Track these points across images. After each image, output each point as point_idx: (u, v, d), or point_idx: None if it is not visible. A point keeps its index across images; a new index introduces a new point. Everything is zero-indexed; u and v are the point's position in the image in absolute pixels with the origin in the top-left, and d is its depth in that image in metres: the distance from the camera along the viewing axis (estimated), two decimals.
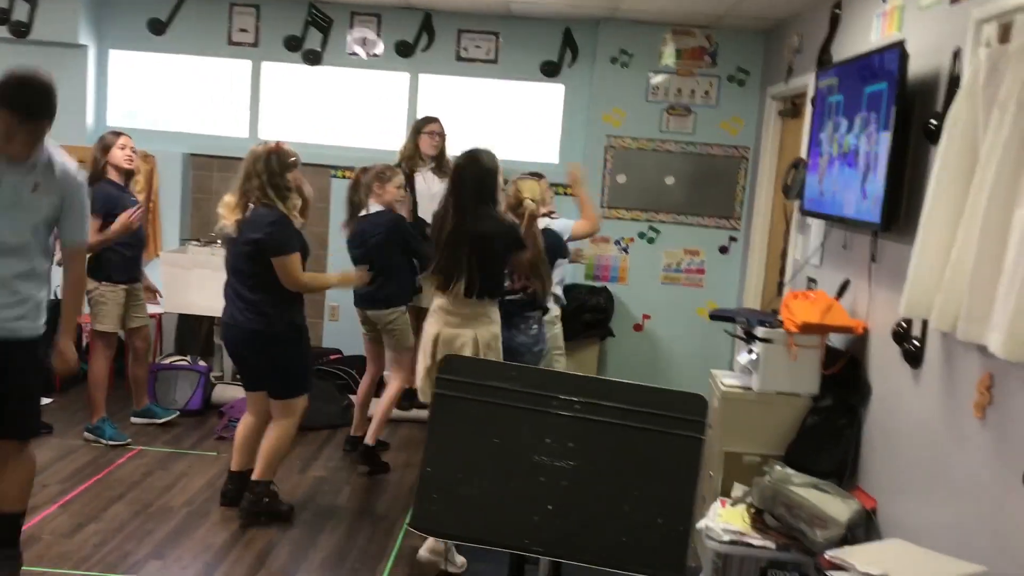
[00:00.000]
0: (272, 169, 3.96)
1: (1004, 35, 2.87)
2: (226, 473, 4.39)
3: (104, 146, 5.06)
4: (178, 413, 5.52)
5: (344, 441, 5.30)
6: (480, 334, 3.95)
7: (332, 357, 6.46)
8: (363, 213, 4.97)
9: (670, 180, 6.44)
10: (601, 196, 6.46)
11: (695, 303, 6.50)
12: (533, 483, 1.92)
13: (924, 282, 3.01)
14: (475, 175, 3.93)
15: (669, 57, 6.35)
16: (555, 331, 5.10)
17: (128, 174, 5.18)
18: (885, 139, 3.44)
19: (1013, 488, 2.51)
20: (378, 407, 4.98)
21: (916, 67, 3.45)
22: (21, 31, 6.27)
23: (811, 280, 4.68)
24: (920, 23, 3.55)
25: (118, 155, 5.07)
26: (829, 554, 2.57)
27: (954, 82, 3.14)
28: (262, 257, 3.98)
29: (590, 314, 6.20)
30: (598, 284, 6.47)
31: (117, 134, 5.16)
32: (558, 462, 1.91)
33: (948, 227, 2.91)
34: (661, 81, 6.37)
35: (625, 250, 6.52)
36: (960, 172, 2.90)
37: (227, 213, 4.00)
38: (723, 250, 6.49)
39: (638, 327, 6.57)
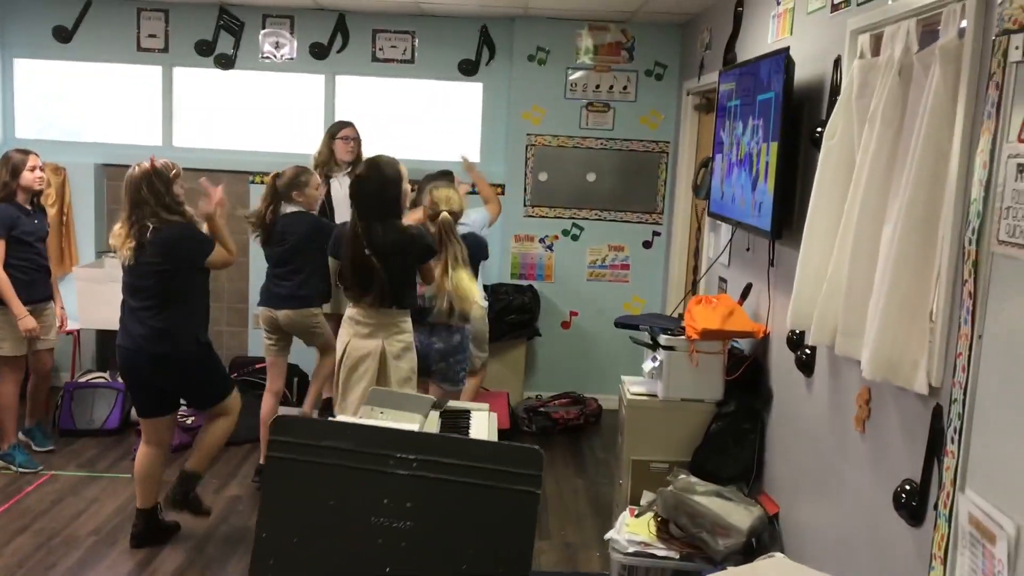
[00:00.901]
0: (158, 191, 3.87)
1: (877, 47, 2.86)
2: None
3: (13, 168, 4.89)
4: (52, 448, 5.26)
5: (255, 472, 5.01)
6: (388, 345, 3.91)
7: (258, 366, 6.37)
8: (283, 212, 4.90)
9: (592, 176, 6.42)
10: (524, 195, 6.43)
11: (622, 298, 6.50)
12: (371, 546, 1.88)
13: (807, 294, 3.02)
14: (376, 186, 3.88)
15: (586, 53, 6.30)
16: (480, 327, 5.11)
17: (37, 192, 5.07)
18: (773, 147, 3.44)
19: (886, 506, 2.52)
20: (304, 412, 4.94)
21: (805, 73, 3.44)
22: None
23: (722, 280, 4.69)
24: (807, 29, 3.54)
25: (29, 178, 4.92)
26: None
27: (836, 91, 3.14)
28: (184, 274, 3.96)
29: (516, 315, 6.17)
30: (524, 283, 6.44)
31: (25, 153, 4.99)
32: (396, 523, 1.87)
33: (827, 240, 2.92)
34: (579, 77, 6.33)
35: (550, 248, 6.50)
36: (837, 186, 2.90)
37: (120, 243, 3.90)
38: (647, 245, 6.48)
39: (566, 325, 6.56)
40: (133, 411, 5.72)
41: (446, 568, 1.87)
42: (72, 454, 5.23)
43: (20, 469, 4.92)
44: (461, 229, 4.42)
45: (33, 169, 4.95)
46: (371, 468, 1.90)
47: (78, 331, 6.11)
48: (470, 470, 1.88)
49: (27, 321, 4.86)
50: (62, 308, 5.38)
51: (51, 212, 6.23)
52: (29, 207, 5.01)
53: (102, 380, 5.79)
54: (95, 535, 4.22)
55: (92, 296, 5.80)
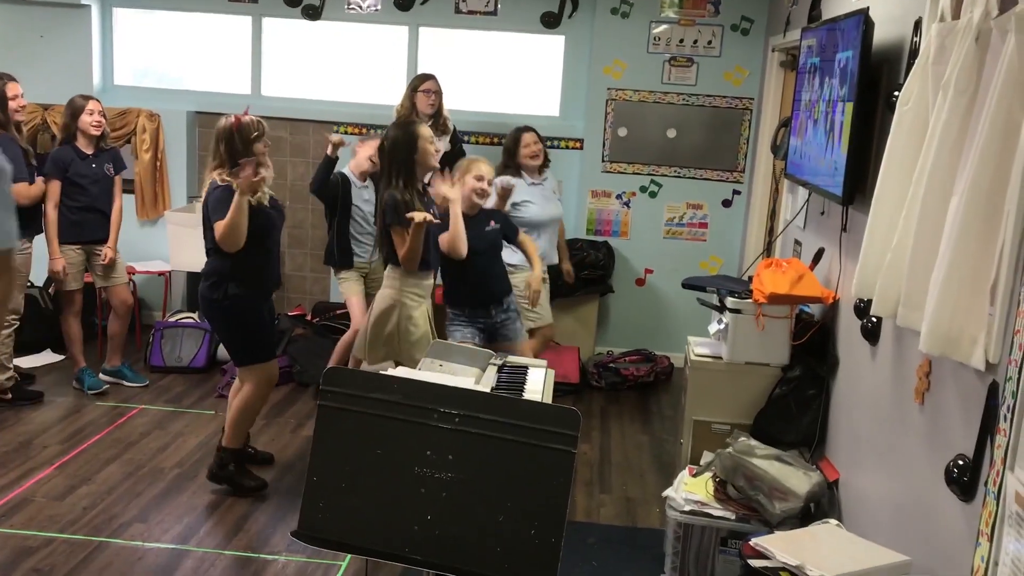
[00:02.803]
0: (234, 147, 3.96)
1: (958, 9, 2.76)
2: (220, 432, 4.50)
3: (74, 112, 5.20)
4: (147, 383, 5.56)
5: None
6: (377, 296, 4.21)
7: (339, 312, 6.56)
8: None
9: (672, 133, 6.35)
10: (603, 150, 6.41)
11: (698, 257, 6.46)
12: (414, 494, 1.98)
13: (873, 263, 2.97)
14: (388, 146, 4.08)
15: (670, 6, 6.20)
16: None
17: (99, 138, 5.32)
18: (849, 110, 3.36)
19: (938, 480, 2.50)
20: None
21: (885, 33, 3.35)
22: None
23: (797, 242, 4.63)
24: None
25: (86, 121, 5.21)
26: (754, 541, 2.60)
27: (915, 54, 3.05)
28: (210, 225, 4.01)
29: (589, 270, 6.19)
30: (599, 239, 6.45)
31: (86, 98, 5.28)
32: (438, 474, 1.96)
33: (895, 209, 2.86)
34: (662, 31, 6.24)
35: (627, 204, 6.48)
36: (908, 154, 2.83)
37: (202, 191, 4.09)
38: (726, 203, 6.41)
39: (640, 282, 6.56)
40: (219, 351, 6.00)
41: (484, 519, 1.95)
42: (161, 390, 5.51)
43: (89, 391, 5.29)
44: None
45: (92, 113, 5.23)
46: (416, 421, 2.00)
47: (169, 272, 6.40)
48: (510, 427, 1.95)
49: (55, 263, 5.19)
50: (110, 247, 5.43)
51: (145, 158, 6.51)
52: (90, 151, 5.28)
53: (190, 320, 6.05)
54: (178, 468, 4.47)
55: (182, 239, 6.04)
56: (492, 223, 4.49)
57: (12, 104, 5.03)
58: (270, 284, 4.27)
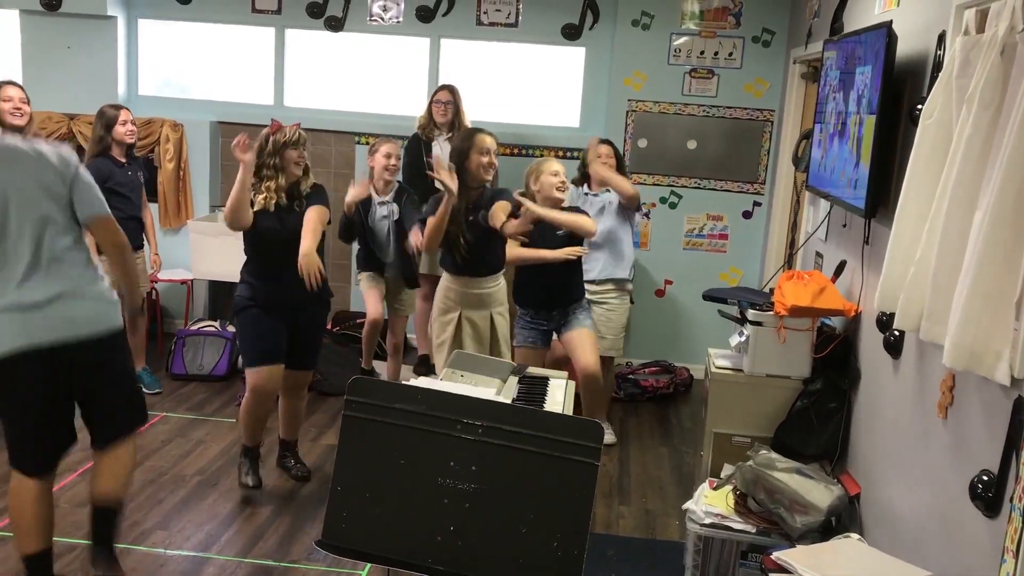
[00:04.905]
0: (264, 149, 4.05)
1: (982, 24, 2.76)
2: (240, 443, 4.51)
3: (107, 123, 5.26)
4: (160, 390, 5.60)
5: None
6: None
7: (359, 321, 6.59)
8: None
9: (692, 144, 6.35)
10: (623, 161, 6.40)
11: (718, 268, 6.45)
12: (437, 504, 1.99)
13: (896, 276, 2.96)
14: (450, 154, 4.36)
15: (691, 18, 6.21)
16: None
17: (130, 146, 5.41)
18: (871, 123, 3.36)
19: (962, 496, 2.49)
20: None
21: (908, 47, 3.34)
22: (53, 4, 6.40)
23: (818, 255, 4.61)
24: (914, 1, 3.42)
25: (121, 131, 5.29)
26: (775, 555, 2.60)
27: (938, 68, 3.04)
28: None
29: None
30: None
31: (117, 108, 5.35)
32: (461, 484, 1.98)
33: (918, 223, 2.85)
34: (683, 43, 6.25)
35: (647, 215, 6.47)
36: (932, 167, 2.83)
37: None
38: (747, 215, 6.40)
39: (660, 293, 6.55)
40: (239, 359, 6.04)
41: (506, 530, 1.96)
42: (182, 397, 5.55)
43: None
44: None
45: (124, 123, 5.31)
46: (440, 431, 2.01)
47: (191, 281, 6.45)
48: (533, 439, 1.96)
49: None
50: (156, 254, 5.67)
51: (168, 167, 6.57)
52: (124, 160, 5.36)
53: (212, 329, 6.09)
54: (200, 475, 4.50)
55: (205, 248, 6.09)
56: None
57: (6, 106, 5.06)
58: (275, 299, 4.17)
